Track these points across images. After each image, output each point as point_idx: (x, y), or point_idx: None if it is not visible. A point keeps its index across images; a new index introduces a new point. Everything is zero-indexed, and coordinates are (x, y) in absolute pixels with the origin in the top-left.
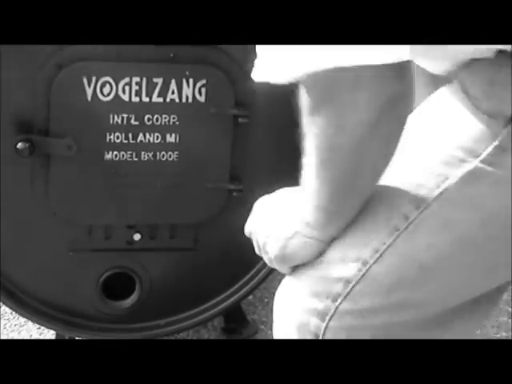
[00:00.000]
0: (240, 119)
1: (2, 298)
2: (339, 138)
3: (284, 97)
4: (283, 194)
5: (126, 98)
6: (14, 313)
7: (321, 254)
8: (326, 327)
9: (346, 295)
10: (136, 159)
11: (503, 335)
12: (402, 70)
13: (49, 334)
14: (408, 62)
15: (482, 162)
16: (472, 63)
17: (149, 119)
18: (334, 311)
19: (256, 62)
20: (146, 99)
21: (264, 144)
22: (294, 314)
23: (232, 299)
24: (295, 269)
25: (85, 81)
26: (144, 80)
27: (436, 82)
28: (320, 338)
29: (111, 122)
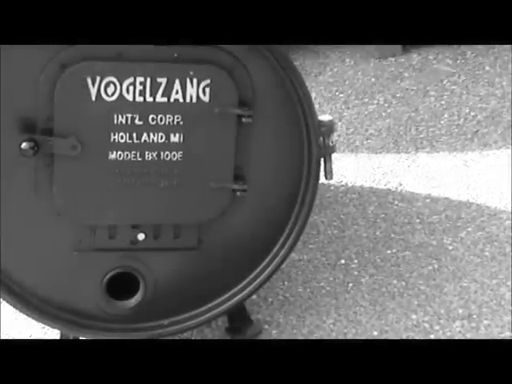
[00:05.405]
0: (244, 119)
1: (5, 298)
2: None
3: (287, 96)
4: None
5: (130, 97)
6: (17, 311)
7: None
8: None
9: None
10: (140, 159)
11: (507, 335)
12: None
13: (53, 334)
14: None
15: None
16: None
17: (153, 119)
18: None
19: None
20: (150, 99)
21: (268, 144)
22: None
23: (236, 299)
24: None
25: (89, 81)
26: (148, 80)
27: None
28: None
29: (115, 121)
